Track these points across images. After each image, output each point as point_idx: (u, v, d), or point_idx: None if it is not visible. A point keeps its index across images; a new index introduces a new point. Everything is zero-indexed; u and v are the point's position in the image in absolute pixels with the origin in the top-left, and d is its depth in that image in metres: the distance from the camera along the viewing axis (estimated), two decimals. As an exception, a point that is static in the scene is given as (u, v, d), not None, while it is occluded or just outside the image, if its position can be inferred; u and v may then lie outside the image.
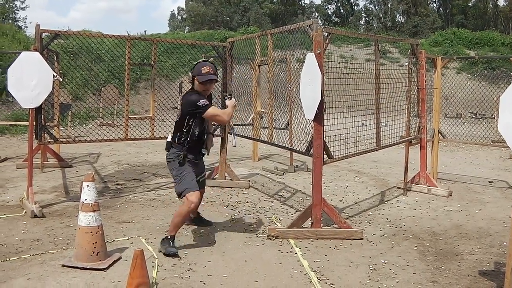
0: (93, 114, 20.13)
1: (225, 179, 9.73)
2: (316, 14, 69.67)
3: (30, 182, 7.80)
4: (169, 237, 5.91)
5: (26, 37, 26.89)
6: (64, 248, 5.99)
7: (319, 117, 6.46)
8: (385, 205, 8.58)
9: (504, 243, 6.45)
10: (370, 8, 69.01)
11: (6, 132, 17.63)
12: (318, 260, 5.79)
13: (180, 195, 5.96)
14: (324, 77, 6.54)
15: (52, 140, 8.73)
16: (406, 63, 9.73)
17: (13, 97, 7.89)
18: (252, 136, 9.29)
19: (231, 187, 9.52)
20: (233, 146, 6.59)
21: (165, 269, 5.40)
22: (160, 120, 10.11)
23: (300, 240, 6.48)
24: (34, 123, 7.98)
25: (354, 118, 7.51)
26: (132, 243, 6.23)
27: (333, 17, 68.65)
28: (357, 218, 7.76)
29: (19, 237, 6.39)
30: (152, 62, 9.51)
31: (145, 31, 35.12)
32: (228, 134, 9.17)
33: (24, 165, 10.71)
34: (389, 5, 65.86)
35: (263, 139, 8.72)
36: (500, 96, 4.77)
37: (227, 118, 6.20)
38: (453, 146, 16.25)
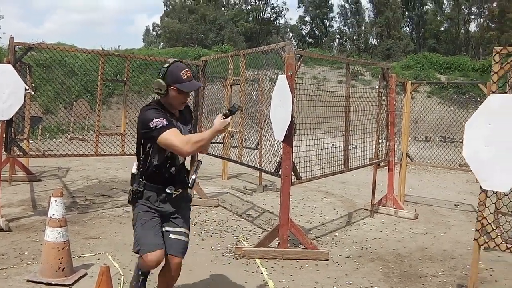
0: (64, 128, 19.99)
1: (193, 197, 9.73)
2: (291, 34, 70.10)
3: (-3, 196, 7.75)
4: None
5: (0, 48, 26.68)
6: (29, 263, 5.95)
7: (288, 139, 6.53)
8: (352, 227, 8.66)
9: (467, 265, 6.55)
10: (344, 30, 69.65)
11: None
12: (283, 280, 5.83)
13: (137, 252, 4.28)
14: (296, 98, 6.63)
15: (21, 153, 8.69)
16: (377, 86, 9.87)
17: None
18: (222, 155, 9.33)
19: (200, 205, 9.53)
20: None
21: (131, 286, 5.39)
22: (131, 136, 10.09)
23: (267, 260, 6.52)
24: (4, 136, 7.93)
25: (324, 140, 7.60)
26: (99, 259, 6.21)
27: (307, 38, 69.07)
28: (324, 239, 7.82)
29: (-16, 251, 6.33)
30: (125, 79, 9.54)
31: (119, 46, 34.98)
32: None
33: (-8, 178, 10.61)
34: (363, 28, 66.56)
35: (233, 158, 8.77)
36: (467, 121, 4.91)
37: (189, 149, 4.03)
38: (421, 169, 16.44)
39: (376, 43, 64.58)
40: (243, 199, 10.65)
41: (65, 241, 5.36)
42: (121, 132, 9.34)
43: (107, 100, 24.37)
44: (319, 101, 7.83)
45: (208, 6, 65.20)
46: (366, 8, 68.42)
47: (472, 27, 63.74)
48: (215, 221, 8.62)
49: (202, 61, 9.90)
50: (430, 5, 66.32)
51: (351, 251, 7.21)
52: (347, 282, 5.90)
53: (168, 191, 4.27)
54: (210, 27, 62.20)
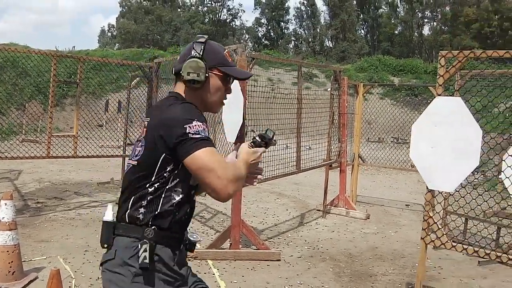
0: (16, 129, 19.66)
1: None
2: (247, 36, 70.28)
3: None
4: None
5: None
6: (-23, 267, 5.87)
7: (240, 140, 6.56)
8: (304, 227, 8.74)
9: (417, 264, 6.68)
10: (299, 32, 70.12)
11: None
12: (235, 281, 5.86)
13: None
14: (249, 100, 6.68)
15: (-29, 156, 8.55)
16: (329, 89, 9.99)
17: None
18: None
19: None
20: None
21: (81, 289, 5.37)
22: (84, 138, 10.02)
23: (219, 261, 6.54)
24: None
25: (278, 141, 7.64)
26: (50, 262, 6.13)
27: (263, 40, 69.30)
28: (276, 239, 7.87)
29: None
30: (78, 80, 9.46)
31: (74, 47, 34.48)
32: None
33: None
34: (318, 30, 67.08)
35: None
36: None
37: (231, 190, 2.41)
38: (374, 170, 16.65)
39: (331, 46, 65.14)
40: (196, 200, 10.61)
41: (15, 245, 5.30)
42: (73, 134, 9.24)
43: (61, 101, 24.05)
44: (273, 103, 7.89)
45: (164, 7, 65.03)
46: (322, 11, 69.11)
47: (426, 30, 64.95)
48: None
49: (156, 63, 9.88)
50: (385, 8, 67.34)
51: (303, 251, 7.28)
52: (298, 282, 5.96)
53: (192, 238, 2.77)
54: (166, 28, 62.00)
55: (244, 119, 6.51)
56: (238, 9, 71.14)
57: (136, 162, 2.54)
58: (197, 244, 2.87)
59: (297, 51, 65.09)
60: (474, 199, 5.44)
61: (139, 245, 2.42)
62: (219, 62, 2.63)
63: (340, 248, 7.54)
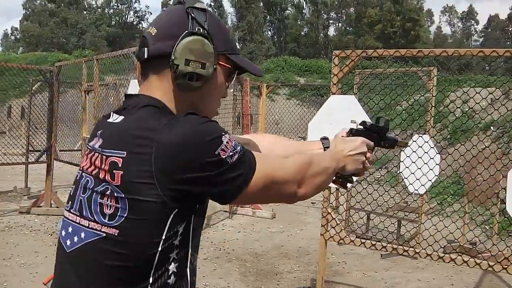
0: None
1: (51, 207, 9.44)
2: (155, 38, 69.72)
3: None
4: None
5: None
6: None
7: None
8: (211, 229, 8.73)
9: (320, 261, 6.85)
10: (207, 34, 70.11)
11: None
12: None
13: None
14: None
15: None
16: (232, 90, 10.05)
17: None
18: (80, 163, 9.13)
19: (58, 215, 9.26)
20: None
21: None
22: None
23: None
24: None
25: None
26: None
27: (171, 42, 68.90)
28: (182, 242, 7.83)
29: None
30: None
31: (-28, 51, 33.34)
32: None
33: None
34: (226, 32, 67.35)
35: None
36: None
37: (309, 190, 1.64)
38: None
39: (239, 47, 65.53)
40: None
41: None
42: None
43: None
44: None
45: (70, 9, 63.65)
46: (229, 13, 69.51)
47: (331, 31, 66.45)
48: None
49: (56, 66, 9.65)
50: (291, 10, 68.43)
51: (209, 253, 7.28)
52: (204, 283, 5.97)
53: None
54: (72, 31, 60.71)
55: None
56: (145, 11, 70.84)
57: (111, 231, 1.41)
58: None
59: (205, 52, 64.95)
60: (381, 196, 5.57)
61: None
62: (228, 47, 1.66)
63: (246, 248, 7.59)
